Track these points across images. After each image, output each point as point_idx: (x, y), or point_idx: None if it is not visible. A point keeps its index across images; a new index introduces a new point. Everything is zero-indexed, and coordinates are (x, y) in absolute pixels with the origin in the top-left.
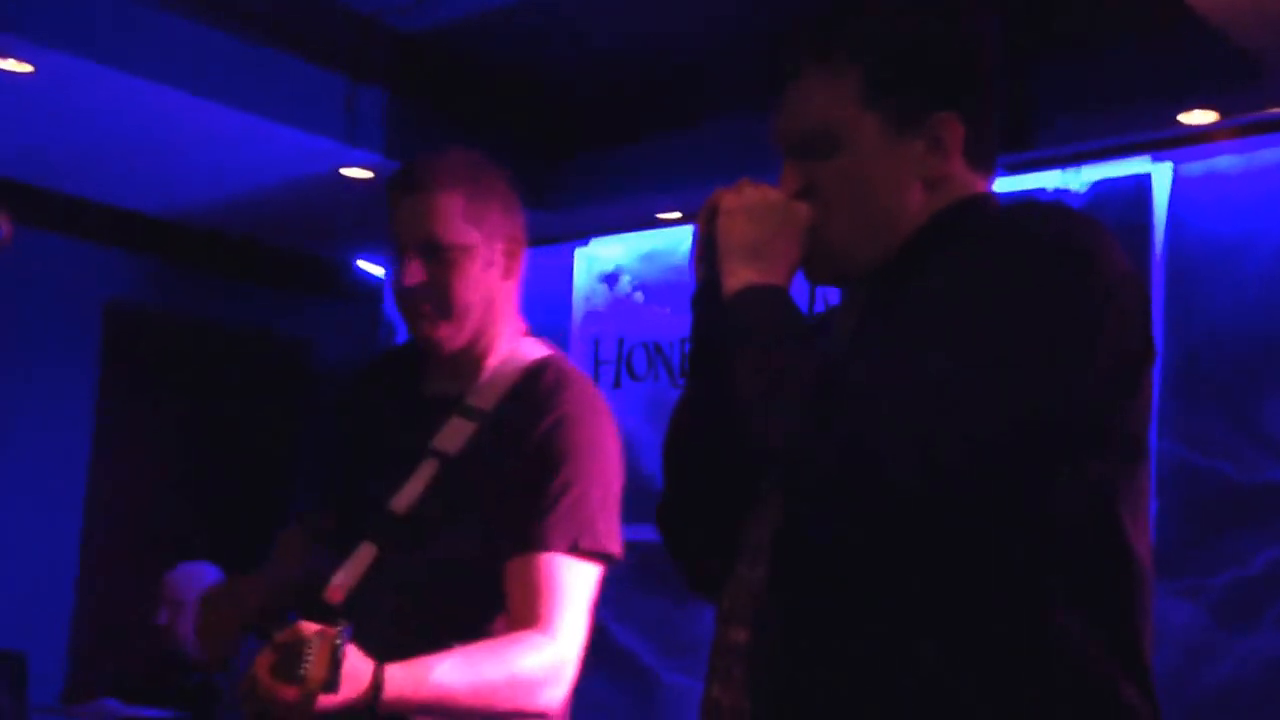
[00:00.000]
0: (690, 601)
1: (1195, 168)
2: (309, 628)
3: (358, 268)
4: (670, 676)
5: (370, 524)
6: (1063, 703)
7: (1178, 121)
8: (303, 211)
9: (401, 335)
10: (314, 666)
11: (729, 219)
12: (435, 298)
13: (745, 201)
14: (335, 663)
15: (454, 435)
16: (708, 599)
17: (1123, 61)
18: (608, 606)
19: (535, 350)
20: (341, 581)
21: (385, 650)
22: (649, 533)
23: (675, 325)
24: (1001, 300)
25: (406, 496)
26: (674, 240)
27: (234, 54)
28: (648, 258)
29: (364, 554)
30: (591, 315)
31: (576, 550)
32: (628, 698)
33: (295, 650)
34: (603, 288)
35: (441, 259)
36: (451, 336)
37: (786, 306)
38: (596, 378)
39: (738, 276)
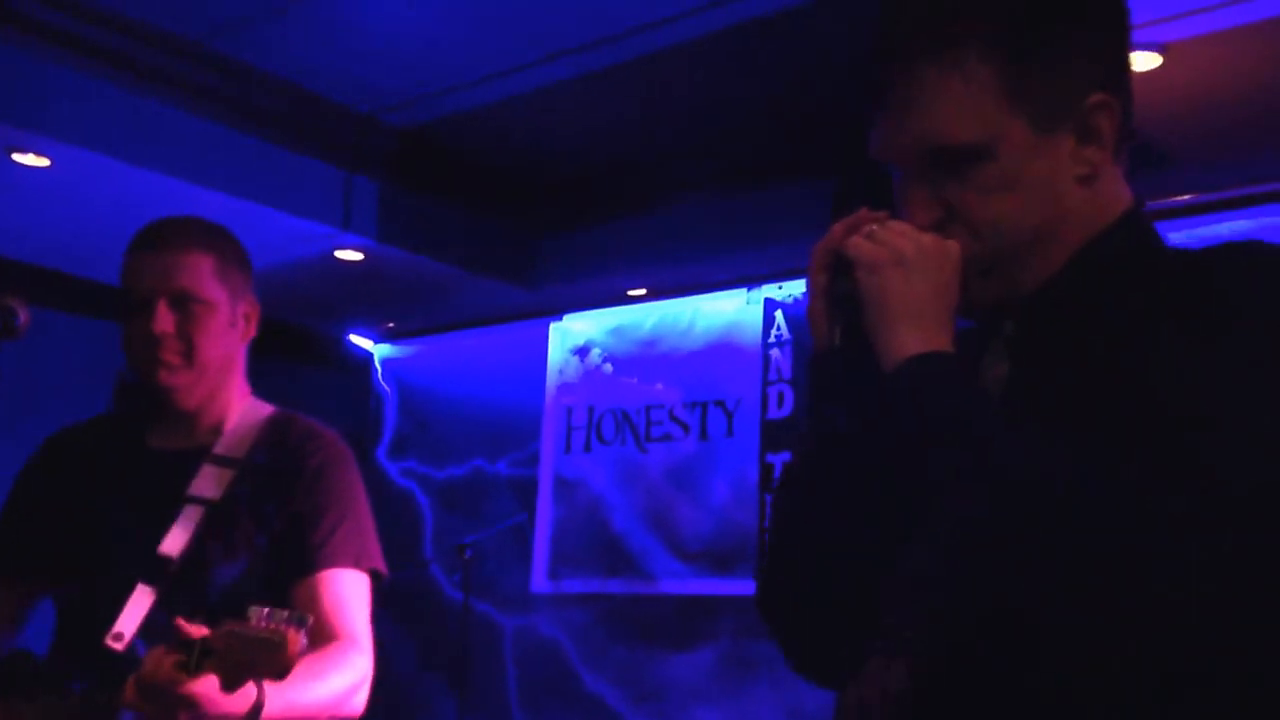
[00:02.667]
0: (654, 649)
1: None
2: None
3: (349, 342)
4: None
5: (137, 568)
6: None
7: None
8: (300, 290)
9: (390, 404)
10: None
11: (877, 275)
12: (182, 347)
13: (895, 252)
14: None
15: (211, 482)
16: (820, 682)
17: None
18: (578, 654)
19: (265, 405)
20: (124, 627)
21: None
22: (618, 586)
23: (641, 394)
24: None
25: (175, 540)
26: (640, 315)
27: (238, 147)
28: (616, 332)
29: (142, 598)
30: (564, 386)
31: (358, 565)
32: None
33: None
34: (574, 360)
35: (191, 311)
36: (190, 386)
37: (957, 373)
38: (568, 443)
39: (902, 344)
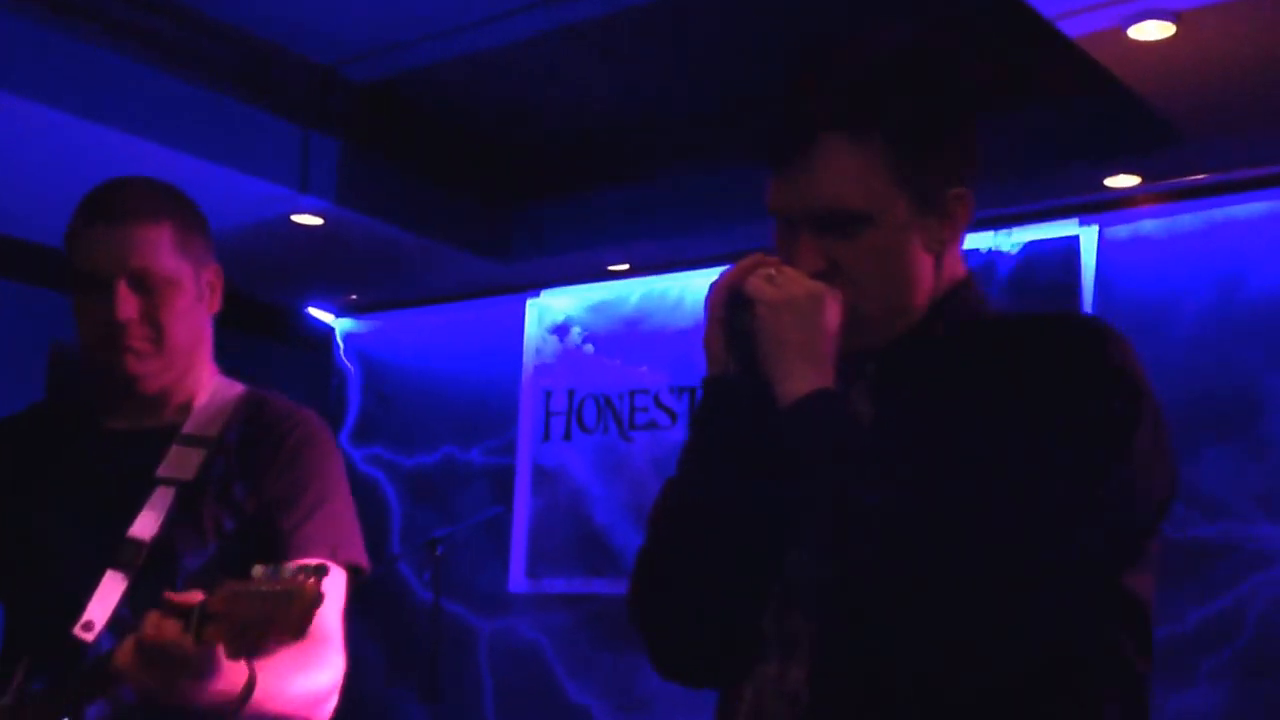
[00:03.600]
0: (643, 656)
1: (1121, 231)
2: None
3: (308, 315)
4: None
5: (106, 554)
6: None
7: (1103, 185)
8: (254, 257)
9: (353, 383)
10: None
11: (775, 315)
12: (149, 333)
13: (788, 295)
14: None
15: (182, 463)
16: (680, 681)
17: (1052, 126)
18: (560, 660)
19: (235, 383)
20: (94, 616)
21: None
22: (602, 585)
23: (625, 377)
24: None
25: (146, 524)
26: (624, 291)
27: (186, 99)
28: (598, 309)
29: (112, 584)
30: (542, 367)
31: (335, 558)
32: None
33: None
34: (553, 339)
35: (154, 291)
36: (159, 372)
37: (845, 408)
38: (547, 430)
39: (795, 380)
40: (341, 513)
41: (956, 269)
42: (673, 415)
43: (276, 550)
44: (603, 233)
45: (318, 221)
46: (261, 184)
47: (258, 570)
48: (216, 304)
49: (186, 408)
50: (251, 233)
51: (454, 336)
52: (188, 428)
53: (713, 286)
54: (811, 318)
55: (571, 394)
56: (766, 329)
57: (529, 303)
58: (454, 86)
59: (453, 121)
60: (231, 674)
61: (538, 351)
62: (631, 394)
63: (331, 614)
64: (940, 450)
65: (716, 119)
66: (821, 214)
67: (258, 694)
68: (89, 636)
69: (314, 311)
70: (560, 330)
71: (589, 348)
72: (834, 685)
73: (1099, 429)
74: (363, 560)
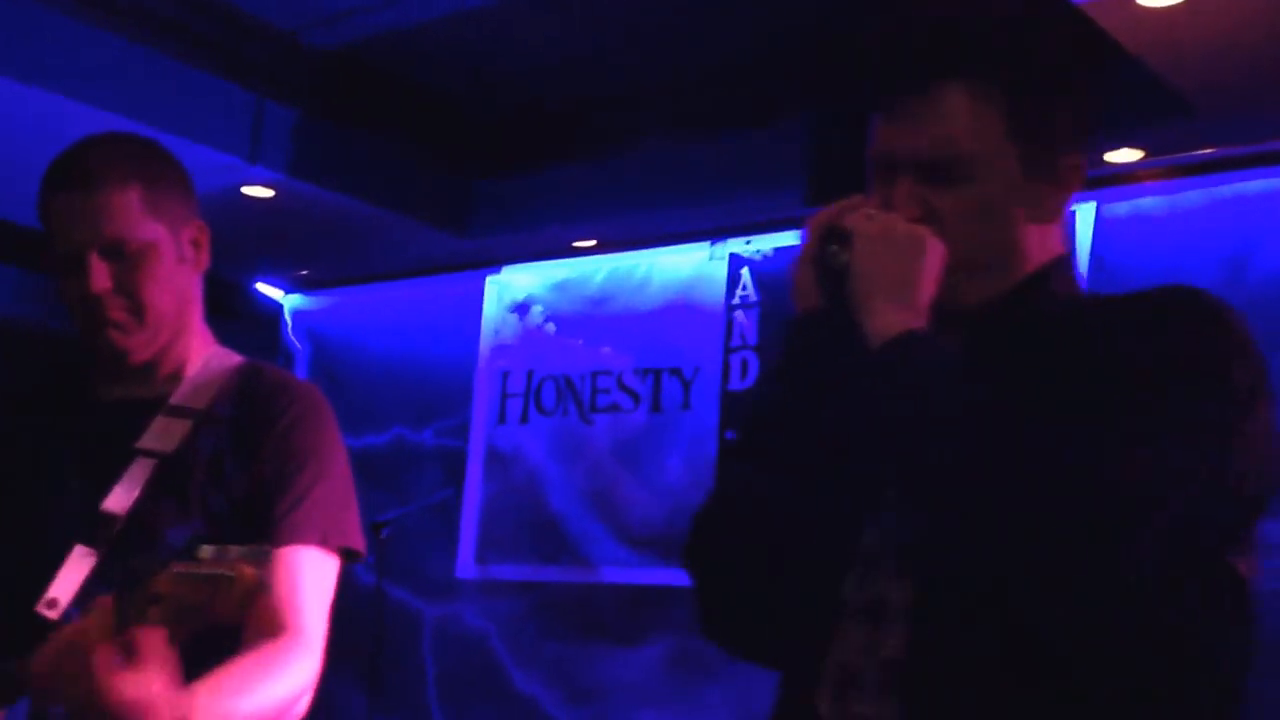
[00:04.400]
0: (594, 645)
1: (1120, 208)
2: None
3: (256, 290)
4: None
5: (77, 528)
6: None
7: (1104, 160)
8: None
9: (301, 361)
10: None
11: (873, 250)
12: (127, 303)
13: (885, 230)
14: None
15: (165, 435)
16: (737, 651)
17: None
18: (507, 648)
19: (232, 354)
20: (59, 593)
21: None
22: (553, 573)
23: (587, 358)
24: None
25: (121, 498)
26: (588, 270)
27: (130, 61)
28: (561, 287)
29: (80, 561)
30: (500, 347)
31: (325, 544)
32: None
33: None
34: (513, 318)
35: (129, 259)
36: (145, 345)
37: (943, 353)
38: (503, 412)
39: (886, 318)
40: (336, 493)
41: (1057, 244)
42: (636, 398)
43: (266, 535)
44: (567, 208)
45: (268, 193)
46: (209, 153)
47: (204, 551)
48: (204, 262)
49: (177, 377)
50: (201, 203)
51: (409, 314)
52: (175, 398)
53: (810, 221)
54: (910, 256)
55: (530, 375)
56: (862, 263)
57: (489, 280)
58: (416, 55)
59: (413, 91)
60: (165, 709)
61: (496, 330)
62: (593, 375)
63: (311, 606)
64: (1042, 400)
65: (686, 92)
66: (928, 158)
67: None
68: (53, 614)
69: (262, 287)
70: (521, 308)
71: (550, 327)
72: (934, 647)
73: (1221, 396)
74: (356, 543)
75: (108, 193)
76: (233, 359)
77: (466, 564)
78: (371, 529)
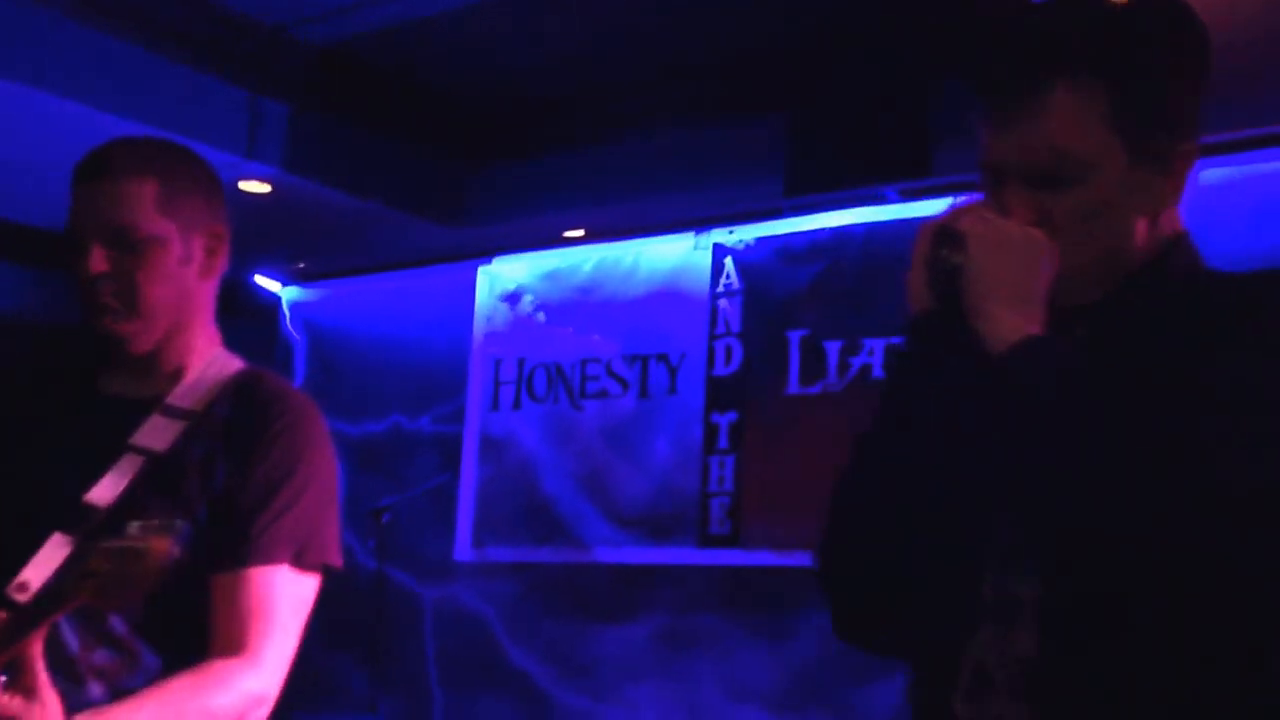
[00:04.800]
0: (587, 622)
1: None
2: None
3: (254, 284)
4: (567, 698)
5: (59, 516)
6: None
7: None
8: None
9: (299, 352)
10: None
11: (988, 254)
12: (120, 291)
13: (999, 233)
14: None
15: (158, 433)
16: (868, 648)
17: None
18: (504, 628)
19: (234, 359)
20: (30, 577)
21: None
22: (548, 554)
23: (576, 345)
24: None
25: (106, 490)
26: (577, 260)
27: (128, 61)
28: (550, 277)
29: (56, 548)
30: (493, 336)
31: (300, 562)
32: None
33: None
34: (504, 307)
35: (129, 250)
36: (138, 334)
37: (1066, 356)
38: (496, 399)
39: (1004, 323)
40: (317, 510)
41: (1174, 224)
42: (624, 384)
43: (237, 551)
44: (557, 199)
45: (265, 189)
46: (207, 150)
47: (131, 527)
48: (215, 268)
49: (177, 377)
50: (225, 212)
51: (403, 304)
52: (172, 398)
53: (923, 225)
54: (1027, 260)
55: (522, 363)
56: (978, 267)
57: (480, 270)
58: (407, 49)
59: (407, 84)
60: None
61: (488, 319)
62: (583, 363)
63: (274, 627)
64: (1170, 401)
65: (670, 86)
66: (1038, 165)
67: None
68: (23, 597)
69: (260, 280)
70: (512, 298)
71: (541, 316)
72: (1066, 647)
73: None
74: (334, 559)
75: (123, 182)
76: (234, 364)
77: (464, 547)
78: (372, 514)
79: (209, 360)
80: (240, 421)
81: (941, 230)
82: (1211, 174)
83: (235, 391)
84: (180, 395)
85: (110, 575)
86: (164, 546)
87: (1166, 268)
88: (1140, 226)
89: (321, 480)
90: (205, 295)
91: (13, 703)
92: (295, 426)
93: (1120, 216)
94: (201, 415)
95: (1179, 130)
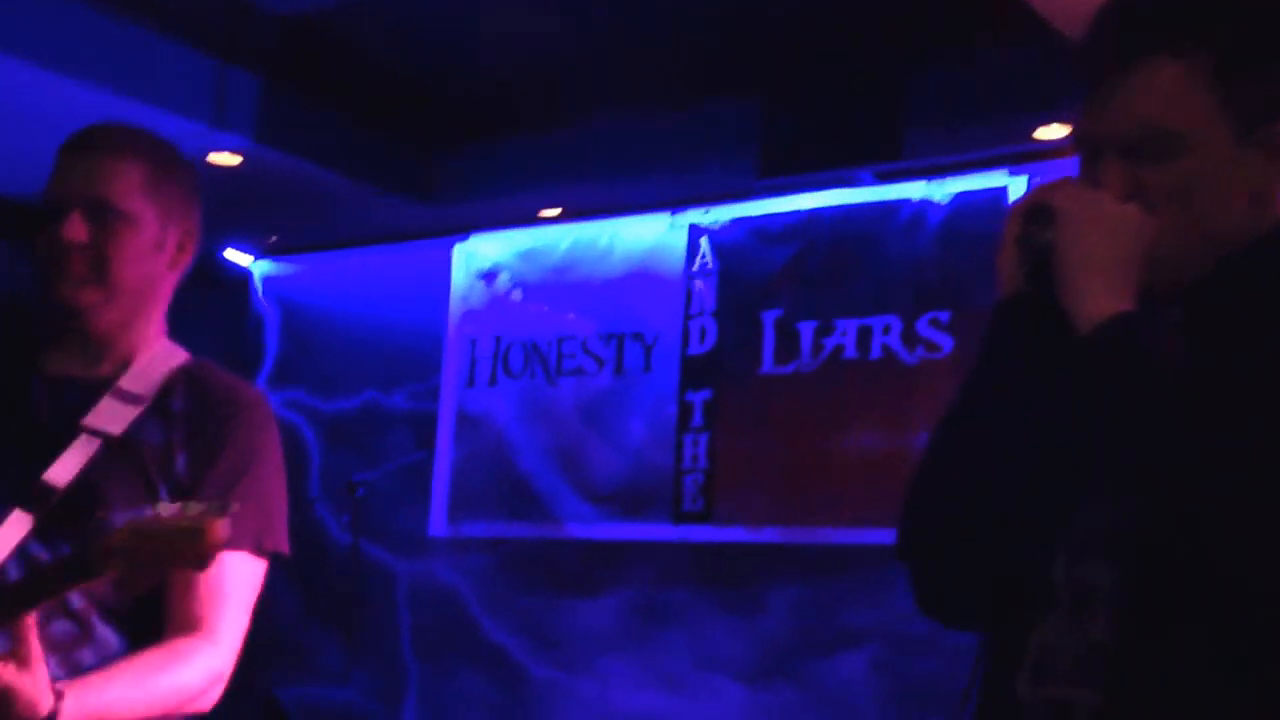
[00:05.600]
0: (560, 596)
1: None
2: None
3: (224, 258)
4: (540, 671)
5: (14, 494)
6: None
7: (1033, 137)
8: None
9: (272, 327)
10: None
11: (1079, 229)
12: (93, 260)
13: (1095, 211)
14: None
15: (112, 416)
16: (948, 623)
17: (986, 76)
18: (478, 602)
19: (179, 349)
20: None
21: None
22: (522, 529)
23: (552, 324)
24: None
25: (62, 470)
26: (554, 238)
27: (93, 27)
28: (527, 255)
29: (16, 525)
30: (469, 314)
31: (259, 548)
32: (497, 693)
33: None
34: (480, 285)
35: (109, 223)
36: (98, 306)
37: (1158, 336)
38: (472, 376)
39: (1095, 300)
40: (273, 500)
41: (1276, 210)
42: (600, 362)
43: None
44: (534, 177)
45: (235, 160)
46: (174, 119)
47: (163, 508)
48: (181, 263)
49: (123, 362)
50: (200, 212)
51: (379, 280)
52: (123, 383)
53: (1014, 204)
54: (1120, 236)
55: (498, 340)
56: (1069, 243)
57: (457, 247)
58: (381, 21)
59: (380, 58)
60: (33, 694)
61: (464, 297)
62: (559, 340)
63: (231, 609)
64: (1263, 383)
65: (646, 65)
66: (1133, 135)
67: (73, 710)
68: None
69: (231, 254)
70: (488, 276)
71: (517, 294)
72: (1139, 634)
73: None
74: (284, 546)
75: (114, 159)
76: (180, 354)
77: (438, 522)
78: (346, 489)
79: (156, 349)
80: (198, 413)
81: (1032, 207)
82: None
83: (188, 383)
84: (130, 381)
85: (150, 553)
86: (221, 528)
87: (1270, 253)
88: (1243, 208)
89: (276, 470)
90: (167, 287)
91: (5, 670)
92: (252, 419)
93: (1220, 195)
94: (155, 403)
95: None
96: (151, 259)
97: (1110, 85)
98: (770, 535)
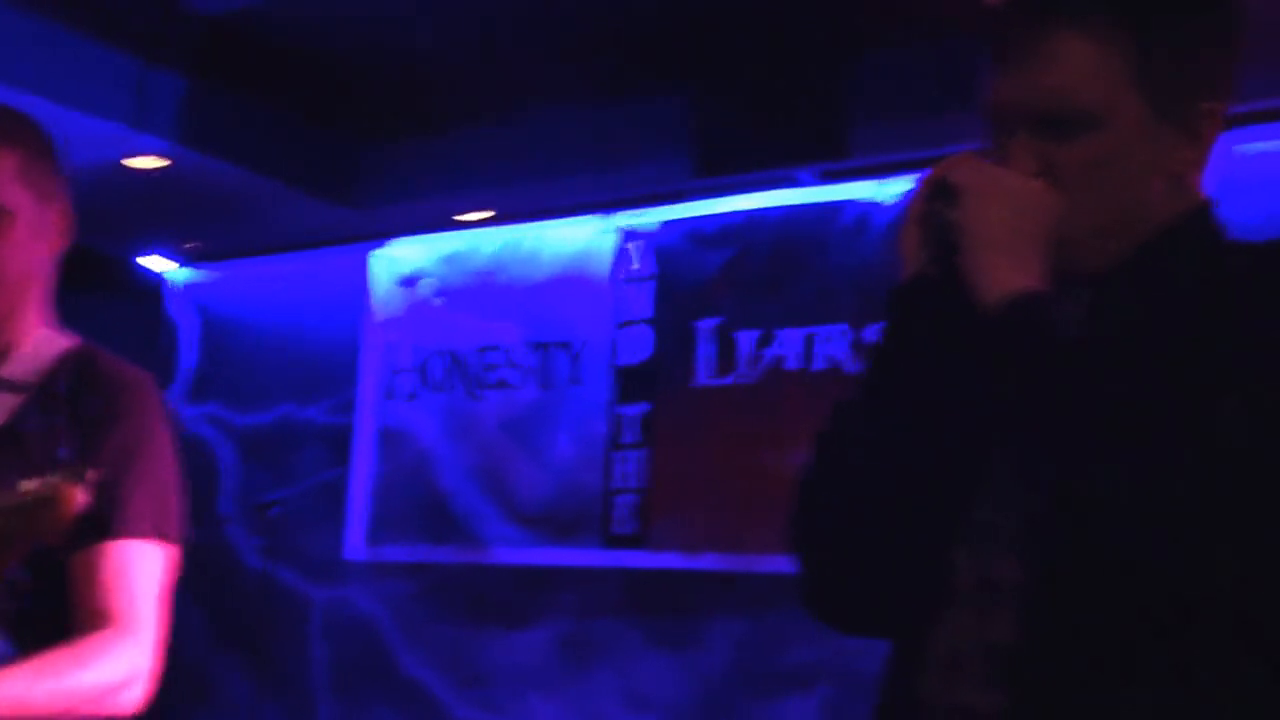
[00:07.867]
0: (484, 627)
1: None
2: None
3: (137, 265)
4: (463, 711)
5: None
6: None
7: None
8: (80, 201)
9: (187, 337)
10: None
11: (982, 204)
12: None
13: (998, 186)
14: None
15: None
16: (841, 627)
17: (935, 69)
18: (397, 632)
19: (65, 335)
20: None
21: None
22: (445, 554)
23: (476, 332)
24: None
25: None
26: (478, 243)
27: (11, 28)
28: (449, 260)
29: None
30: (388, 322)
31: (158, 536)
32: None
33: None
34: (400, 292)
35: None
36: None
37: (1065, 317)
38: (392, 388)
39: (1000, 278)
40: (169, 486)
41: (1196, 195)
42: (525, 373)
43: (94, 527)
44: (457, 178)
45: (154, 163)
46: (91, 122)
47: (23, 484)
48: (60, 244)
49: (6, 351)
50: (80, 175)
51: (296, 287)
52: (4, 371)
53: (920, 180)
54: (1025, 212)
55: (418, 350)
56: (973, 219)
57: (375, 254)
58: (304, 18)
59: (302, 56)
60: None
61: (384, 305)
62: (482, 350)
63: (141, 598)
64: (1174, 369)
65: (582, 61)
66: (1044, 110)
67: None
68: None
69: (145, 261)
70: (409, 282)
71: (439, 301)
72: (1046, 631)
73: None
74: (183, 532)
75: None
76: (63, 341)
77: (356, 545)
78: (258, 509)
79: (40, 335)
80: (83, 397)
81: (935, 185)
82: (1251, 146)
83: (73, 367)
84: (13, 370)
85: (6, 528)
86: (75, 494)
87: (1184, 237)
88: (1158, 189)
89: (168, 452)
90: (48, 271)
91: None
92: (140, 402)
93: (1133, 173)
94: (39, 389)
95: (1204, 89)
96: (31, 247)
97: (1023, 56)
98: (709, 562)
